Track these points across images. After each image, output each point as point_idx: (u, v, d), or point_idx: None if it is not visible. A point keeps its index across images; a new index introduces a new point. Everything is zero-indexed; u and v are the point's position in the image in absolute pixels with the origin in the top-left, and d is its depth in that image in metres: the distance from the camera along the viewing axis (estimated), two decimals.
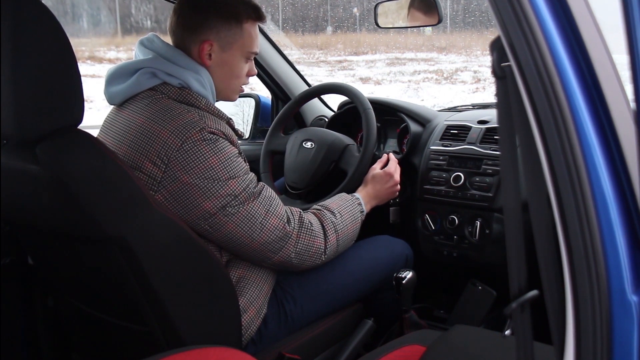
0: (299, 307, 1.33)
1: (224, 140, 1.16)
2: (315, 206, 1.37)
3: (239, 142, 1.25)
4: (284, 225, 1.21)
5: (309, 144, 1.72)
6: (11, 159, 1.03)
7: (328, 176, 1.66)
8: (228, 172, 1.14)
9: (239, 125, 2.22)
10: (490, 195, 1.62)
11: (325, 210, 1.34)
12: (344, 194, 1.43)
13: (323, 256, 1.28)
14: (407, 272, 1.44)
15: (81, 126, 1.03)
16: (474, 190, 1.65)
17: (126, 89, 1.20)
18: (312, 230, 1.26)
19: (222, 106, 2.18)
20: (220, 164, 1.13)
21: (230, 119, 1.27)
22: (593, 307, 0.62)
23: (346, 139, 1.69)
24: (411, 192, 1.81)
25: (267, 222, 1.19)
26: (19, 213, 1.13)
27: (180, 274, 1.09)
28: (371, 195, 1.49)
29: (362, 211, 1.41)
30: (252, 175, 1.21)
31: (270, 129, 1.86)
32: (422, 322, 1.58)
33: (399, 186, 1.56)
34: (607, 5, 0.65)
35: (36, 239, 1.19)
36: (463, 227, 1.67)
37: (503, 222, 1.60)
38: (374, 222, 1.58)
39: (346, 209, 1.37)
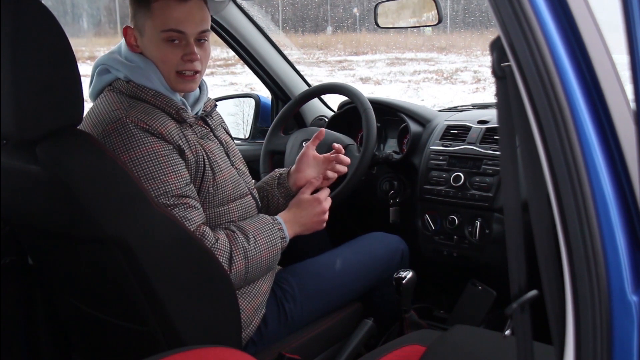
0: (299, 306, 1.33)
1: (146, 134, 1.09)
2: (231, 226, 1.22)
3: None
4: None
5: None
6: (11, 159, 1.03)
7: None
8: (138, 172, 1.07)
9: (239, 125, 2.22)
10: (490, 195, 1.62)
11: (239, 233, 1.19)
12: (264, 216, 1.28)
13: None
14: (407, 272, 1.44)
15: (81, 126, 1.03)
16: (474, 190, 1.65)
17: (92, 87, 1.24)
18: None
19: (223, 105, 2.20)
20: (130, 161, 1.07)
21: (182, 108, 1.19)
22: (593, 307, 0.62)
23: (346, 139, 1.69)
24: (411, 192, 1.81)
25: None
26: (19, 213, 1.13)
27: (180, 274, 1.09)
28: (293, 221, 1.30)
29: (284, 237, 1.26)
30: (176, 183, 1.11)
31: (270, 129, 1.86)
32: (422, 322, 1.58)
33: (326, 216, 1.35)
34: (607, 5, 0.65)
35: (36, 239, 1.18)
36: (463, 227, 1.67)
37: (503, 222, 1.60)
38: (374, 222, 1.58)
39: (263, 233, 1.22)
